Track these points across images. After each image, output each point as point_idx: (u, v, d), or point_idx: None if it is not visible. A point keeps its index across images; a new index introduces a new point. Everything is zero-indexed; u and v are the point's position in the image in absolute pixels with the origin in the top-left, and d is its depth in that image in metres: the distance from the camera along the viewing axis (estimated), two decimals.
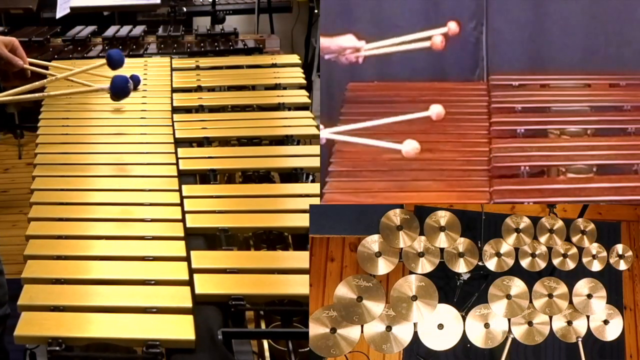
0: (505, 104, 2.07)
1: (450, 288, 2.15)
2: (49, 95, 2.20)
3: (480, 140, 1.91)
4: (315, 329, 1.69)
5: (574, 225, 2.18)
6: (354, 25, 2.56)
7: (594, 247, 2.18)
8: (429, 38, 2.02)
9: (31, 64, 2.39)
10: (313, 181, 1.88)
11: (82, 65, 2.50)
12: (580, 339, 2.00)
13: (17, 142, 4.02)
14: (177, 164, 1.86)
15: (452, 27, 2.04)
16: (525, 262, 2.09)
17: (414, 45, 2.05)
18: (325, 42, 2.04)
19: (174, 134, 2.05)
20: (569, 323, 2.02)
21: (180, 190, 1.70)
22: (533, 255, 2.10)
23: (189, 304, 1.29)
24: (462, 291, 2.13)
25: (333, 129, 1.88)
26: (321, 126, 1.88)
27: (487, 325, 1.93)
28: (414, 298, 1.81)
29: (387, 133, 1.85)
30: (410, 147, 1.71)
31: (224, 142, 2.10)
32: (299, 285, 1.37)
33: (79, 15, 3.76)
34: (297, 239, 1.62)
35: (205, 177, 1.84)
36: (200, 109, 2.27)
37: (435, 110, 1.86)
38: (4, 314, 2.15)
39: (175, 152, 1.92)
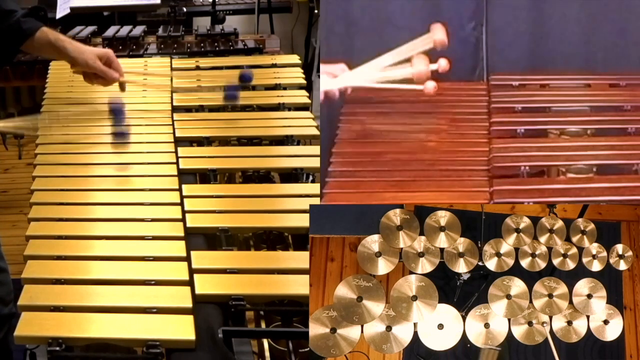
0: (505, 104, 2.07)
1: (450, 288, 2.15)
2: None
3: (480, 140, 1.91)
4: (315, 329, 1.69)
5: (574, 225, 2.18)
6: (353, 25, 2.56)
7: (594, 247, 2.18)
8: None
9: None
10: (313, 181, 1.88)
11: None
12: (546, 326, 1.99)
13: (17, 142, 4.02)
14: (177, 163, 1.86)
15: (443, 64, 2.04)
16: (525, 262, 2.09)
17: (402, 86, 2.05)
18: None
19: (174, 133, 2.05)
20: (569, 323, 2.02)
21: (180, 190, 1.70)
22: (533, 255, 2.10)
23: (189, 304, 1.29)
24: (462, 291, 2.13)
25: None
26: (323, 74, 1.83)
27: (487, 325, 1.93)
28: (414, 298, 1.81)
29: (387, 137, 1.84)
30: (430, 86, 1.67)
31: (224, 142, 2.10)
32: (299, 285, 1.37)
33: (79, 15, 3.76)
34: (297, 239, 1.62)
35: (205, 176, 1.84)
36: (200, 109, 2.27)
37: (439, 37, 1.81)
38: (9, 313, 2.13)
39: (176, 152, 1.92)
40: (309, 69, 4.19)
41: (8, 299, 2.15)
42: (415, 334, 1.81)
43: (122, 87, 2.19)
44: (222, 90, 2.16)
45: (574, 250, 2.16)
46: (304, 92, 2.38)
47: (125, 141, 1.97)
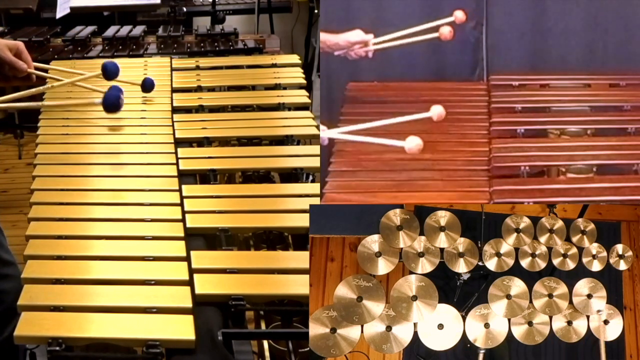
0: (505, 104, 2.08)
1: (450, 288, 2.15)
2: (45, 105, 2.19)
3: (480, 140, 1.91)
4: (315, 329, 1.69)
5: (574, 225, 2.18)
6: (353, 25, 2.56)
7: (594, 247, 2.18)
8: (436, 29, 2.03)
9: (36, 68, 2.36)
10: (313, 181, 1.88)
11: (81, 66, 2.52)
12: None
13: (17, 142, 4.02)
14: (177, 164, 1.86)
15: (459, 15, 2.05)
16: (525, 262, 2.09)
17: (422, 37, 2.06)
18: (333, 38, 2.04)
19: (174, 134, 2.05)
20: (569, 323, 2.02)
21: (180, 190, 1.70)
22: (533, 255, 2.10)
23: (189, 304, 1.29)
24: (462, 291, 2.13)
25: (335, 129, 1.88)
26: (322, 127, 1.88)
27: (487, 325, 1.93)
28: (414, 298, 1.81)
29: (387, 134, 1.85)
30: (413, 144, 1.71)
31: (224, 142, 2.10)
32: (299, 285, 1.37)
33: (79, 15, 3.76)
34: (297, 239, 1.62)
35: (205, 177, 1.83)
36: (200, 109, 2.27)
37: (436, 111, 1.86)
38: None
39: (175, 152, 1.92)
40: (309, 68, 4.20)
41: (18, 291, 2.13)
42: (415, 334, 1.81)
43: (30, 78, 2.31)
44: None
45: (574, 250, 2.15)
46: (304, 92, 2.38)
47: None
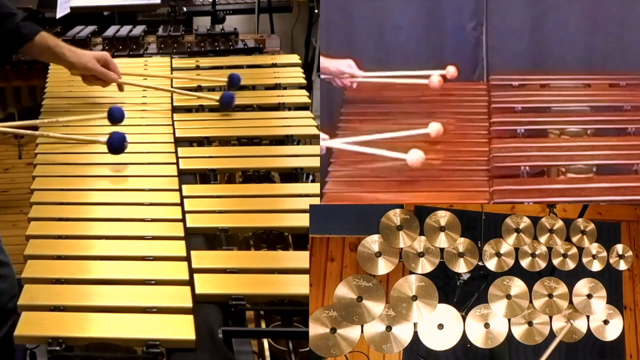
0: (505, 104, 2.07)
1: (450, 288, 2.15)
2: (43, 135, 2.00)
3: (480, 140, 1.91)
4: (315, 329, 1.69)
5: (574, 225, 2.18)
6: (353, 24, 2.56)
7: (594, 247, 2.18)
8: (427, 77, 2.06)
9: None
10: (313, 181, 1.88)
11: None
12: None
13: (17, 142, 4.01)
14: (177, 163, 1.86)
15: (451, 71, 2.08)
16: (525, 262, 2.09)
17: (411, 80, 2.08)
18: (324, 62, 2.07)
19: (174, 133, 2.05)
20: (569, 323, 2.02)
21: (180, 190, 1.70)
22: (533, 255, 2.10)
23: (189, 303, 1.29)
24: (462, 291, 2.13)
25: (337, 139, 1.89)
26: (322, 135, 1.88)
27: (487, 325, 1.93)
28: (414, 298, 1.81)
29: (388, 141, 1.85)
30: (415, 157, 1.71)
31: (224, 142, 2.10)
32: (299, 285, 1.37)
33: (79, 15, 3.75)
34: (297, 239, 1.62)
35: (205, 177, 1.83)
36: (200, 108, 2.27)
37: (434, 128, 1.87)
38: (14, 307, 2.11)
39: (175, 152, 1.92)
40: (309, 68, 4.19)
41: (12, 292, 2.12)
42: (415, 334, 1.81)
43: (120, 87, 2.25)
44: (219, 99, 2.20)
45: (574, 250, 2.16)
46: (304, 92, 2.38)
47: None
